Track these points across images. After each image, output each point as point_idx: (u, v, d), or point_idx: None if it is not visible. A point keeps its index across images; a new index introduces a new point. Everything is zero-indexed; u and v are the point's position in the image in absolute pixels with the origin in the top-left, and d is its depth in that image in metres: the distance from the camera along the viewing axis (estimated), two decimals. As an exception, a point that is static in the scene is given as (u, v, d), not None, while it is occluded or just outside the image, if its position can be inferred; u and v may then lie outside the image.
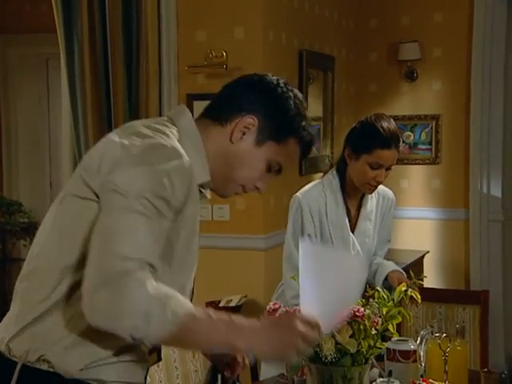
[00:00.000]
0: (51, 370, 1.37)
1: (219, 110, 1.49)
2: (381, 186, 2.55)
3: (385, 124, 2.39)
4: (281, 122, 1.46)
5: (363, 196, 2.52)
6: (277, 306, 1.79)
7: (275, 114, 1.46)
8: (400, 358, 1.97)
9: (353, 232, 2.50)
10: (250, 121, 1.45)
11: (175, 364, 2.17)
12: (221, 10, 3.54)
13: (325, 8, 4.31)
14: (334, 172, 2.51)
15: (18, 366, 1.38)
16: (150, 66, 3.49)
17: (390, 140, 2.37)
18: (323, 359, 1.62)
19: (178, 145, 1.37)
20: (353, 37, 4.77)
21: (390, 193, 2.60)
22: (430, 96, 4.66)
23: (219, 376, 1.46)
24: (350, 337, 1.63)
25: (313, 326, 1.33)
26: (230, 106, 1.47)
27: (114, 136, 1.40)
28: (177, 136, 1.41)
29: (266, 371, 2.50)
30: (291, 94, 1.49)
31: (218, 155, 1.45)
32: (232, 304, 3.33)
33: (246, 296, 3.43)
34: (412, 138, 4.73)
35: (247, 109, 1.45)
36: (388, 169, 2.41)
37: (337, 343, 1.62)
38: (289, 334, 1.30)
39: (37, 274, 1.40)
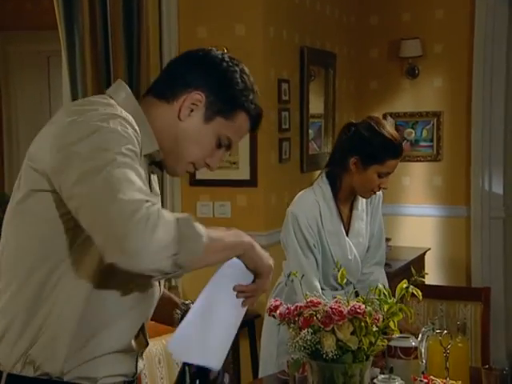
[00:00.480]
0: (38, 374, 1.34)
1: (165, 87, 1.45)
2: None
3: (390, 130, 2.40)
4: (228, 96, 1.43)
5: (354, 199, 2.52)
6: (278, 302, 1.79)
7: (222, 88, 1.43)
8: (401, 355, 1.97)
9: (347, 234, 2.50)
10: (198, 97, 1.42)
11: (176, 361, 2.17)
12: (221, 6, 3.54)
13: (326, 4, 4.31)
14: (324, 179, 2.49)
15: (4, 376, 1.35)
16: (151, 62, 3.48)
17: (400, 150, 2.40)
18: (324, 356, 1.62)
19: (125, 113, 1.35)
20: (354, 33, 4.77)
21: None
22: (432, 93, 4.65)
23: (187, 373, 1.45)
24: (351, 334, 1.63)
25: None
26: (176, 82, 1.44)
27: (50, 124, 1.36)
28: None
29: (266, 369, 2.50)
30: (237, 68, 1.46)
31: (166, 133, 1.42)
32: (233, 301, 3.33)
33: (247, 293, 3.43)
34: (413, 135, 4.72)
35: (194, 85, 1.42)
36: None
37: (338, 340, 1.62)
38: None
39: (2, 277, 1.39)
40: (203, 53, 1.49)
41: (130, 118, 1.35)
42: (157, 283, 1.48)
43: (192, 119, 1.42)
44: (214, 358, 1.39)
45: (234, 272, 1.38)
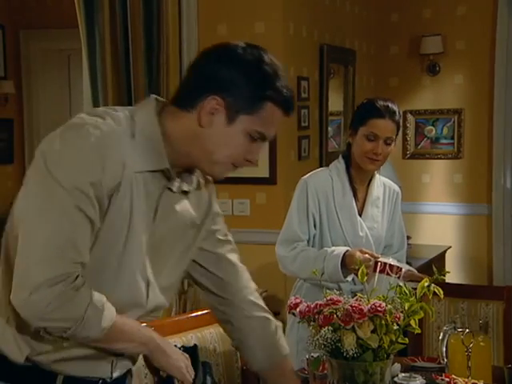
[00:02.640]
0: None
1: (183, 95, 1.41)
2: (387, 180, 2.58)
3: (380, 100, 2.45)
4: (246, 92, 1.36)
5: (370, 182, 2.53)
6: (298, 300, 1.78)
7: (238, 86, 1.35)
8: (390, 272, 2.13)
9: (360, 216, 2.50)
10: (214, 102, 1.35)
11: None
12: (241, 3, 3.54)
13: (346, 1, 4.29)
14: (340, 158, 2.56)
15: None
16: (171, 60, 3.49)
17: (383, 110, 2.41)
18: (344, 354, 1.61)
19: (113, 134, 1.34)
20: (374, 30, 4.74)
21: (396, 186, 2.63)
22: (453, 90, 4.62)
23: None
24: (372, 332, 1.62)
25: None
26: (192, 89, 1.39)
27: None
28: (123, 123, 1.37)
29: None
30: (252, 57, 1.37)
31: (192, 142, 1.38)
32: (252, 299, 3.33)
33: (266, 291, 3.43)
34: (434, 132, 4.69)
35: (209, 88, 1.36)
36: (388, 144, 2.41)
37: (358, 338, 1.61)
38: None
39: None
40: (215, 51, 1.42)
41: (114, 137, 1.33)
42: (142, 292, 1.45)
43: (215, 124, 1.37)
44: None
45: None
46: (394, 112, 2.43)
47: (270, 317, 1.74)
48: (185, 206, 1.48)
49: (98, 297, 1.31)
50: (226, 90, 1.36)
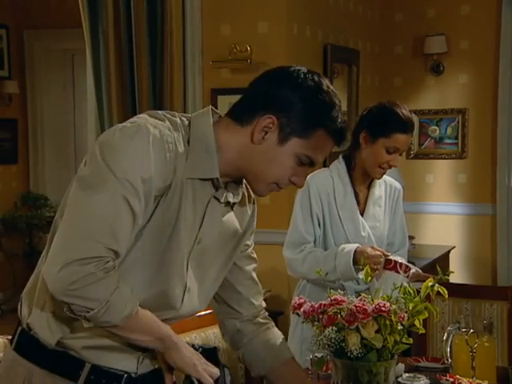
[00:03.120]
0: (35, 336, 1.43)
1: (240, 109, 1.45)
2: (388, 177, 2.58)
3: (402, 110, 2.43)
4: (301, 117, 1.40)
5: (371, 182, 2.53)
6: (302, 300, 1.78)
7: (295, 108, 1.40)
8: (399, 270, 2.13)
9: (362, 215, 2.50)
10: (269, 121, 1.40)
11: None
12: (245, 3, 3.54)
13: (349, 1, 4.29)
14: (340, 158, 2.54)
15: (19, 330, 1.46)
16: (175, 61, 3.50)
17: (408, 125, 2.41)
18: (349, 354, 1.61)
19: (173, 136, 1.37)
20: (378, 30, 4.74)
21: (397, 184, 2.63)
22: (457, 90, 4.61)
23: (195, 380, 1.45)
24: (376, 332, 1.62)
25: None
26: (249, 105, 1.43)
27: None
28: (182, 129, 1.40)
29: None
30: (311, 83, 1.42)
31: (241, 156, 1.43)
32: (256, 299, 3.33)
33: (270, 290, 3.43)
34: (438, 132, 4.68)
35: (266, 107, 1.40)
36: (400, 154, 2.44)
37: (362, 338, 1.61)
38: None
39: None
40: (277, 71, 1.47)
41: (171, 139, 1.36)
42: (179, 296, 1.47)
43: (266, 142, 1.41)
44: None
45: None
46: (414, 124, 2.47)
47: (275, 327, 1.77)
48: (230, 216, 1.53)
49: (124, 285, 1.33)
50: (283, 111, 1.40)
